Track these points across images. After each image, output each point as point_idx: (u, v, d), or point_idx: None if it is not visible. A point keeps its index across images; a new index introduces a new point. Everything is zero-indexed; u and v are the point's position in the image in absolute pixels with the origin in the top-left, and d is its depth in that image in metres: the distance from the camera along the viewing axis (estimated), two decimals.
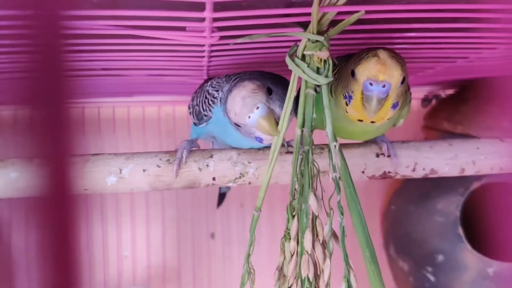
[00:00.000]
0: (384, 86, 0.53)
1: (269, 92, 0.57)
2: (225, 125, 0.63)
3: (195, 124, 0.71)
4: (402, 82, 0.54)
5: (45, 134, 0.29)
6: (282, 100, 0.57)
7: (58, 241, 0.29)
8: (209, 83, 0.68)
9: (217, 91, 0.65)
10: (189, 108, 0.74)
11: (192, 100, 0.73)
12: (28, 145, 0.29)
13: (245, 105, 0.56)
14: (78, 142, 0.30)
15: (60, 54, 0.29)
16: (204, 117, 0.68)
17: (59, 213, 0.29)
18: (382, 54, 0.53)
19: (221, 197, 1.03)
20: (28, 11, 0.28)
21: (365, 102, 0.54)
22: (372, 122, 0.58)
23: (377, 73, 0.53)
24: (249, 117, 0.56)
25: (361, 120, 0.58)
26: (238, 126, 0.58)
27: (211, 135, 0.72)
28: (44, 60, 0.29)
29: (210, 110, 0.66)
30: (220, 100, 0.64)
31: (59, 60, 0.29)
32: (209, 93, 0.66)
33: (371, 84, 0.53)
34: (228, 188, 1.01)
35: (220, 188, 1.01)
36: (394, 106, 0.56)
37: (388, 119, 0.57)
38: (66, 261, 0.29)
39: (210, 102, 0.65)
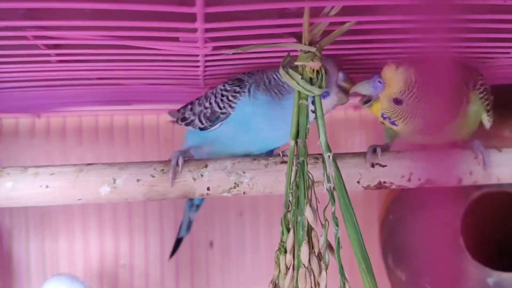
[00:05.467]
0: (379, 82, 0.60)
1: None
2: (248, 118, 0.64)
3: (202, 129, 0.71)
4: (396, 102, 0.60)
5: None
6: None
7: None
8: (218, 87, 0.69)
9: (238, 86, 0.67)
10: (183, 120, 0.74)
11: (191, 109, 0.73)
12: None
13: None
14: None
15: None
16: (221, 116, 0.68)
17: None
18: (402, 68, 0.59)
19: (177, 243, 0.97)
20: None
21: None
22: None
23: (382, 72, 0.60)
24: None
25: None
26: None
27: (211, 142, 0.72)
28: None
29: (230, 107, 0.67)
30: (249, 91, 0.66)
31: None
32: (227, 91, 0.67)
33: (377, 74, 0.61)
34: (188, 231, 0.95)
35: (179, 232, 0.96)
36: (384, 117, 0.62)
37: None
38: None
39: (231, 98, 0.66)
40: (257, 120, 0.66)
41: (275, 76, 0.66)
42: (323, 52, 0.54)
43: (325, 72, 0.62)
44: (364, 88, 0.61)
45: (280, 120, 0.65)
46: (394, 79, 0.59)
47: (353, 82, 0.64)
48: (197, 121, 0.71)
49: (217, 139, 0.71)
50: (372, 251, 0.55)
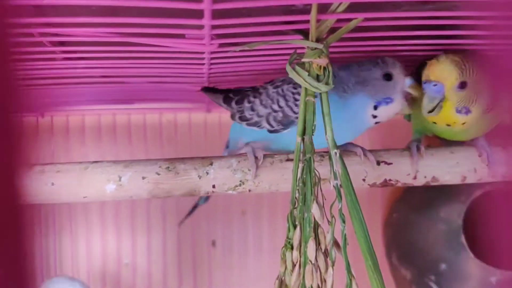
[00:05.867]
0: (435, 85, 0.59)
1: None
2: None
3: (271, 131, 0.68)
4: (461, 86, 0.59)
5: None
6: None
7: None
8: (287, 87, 0.67)
9: None
10: (244, 119, 0.71)
11: (252, 109, 0.70)
12: None
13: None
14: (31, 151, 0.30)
15: (6, 63, 0.29)
16: (296, 120, 0.65)
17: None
18: (442, 57, 0.60)
19: (193, 208, 0.98)
20: None
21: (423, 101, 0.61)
22: (448, 125, 0.63)
23: (429, 74, 0.60)
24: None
25: (449, 125, 0.63)
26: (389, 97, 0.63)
27: (272, 141, 0.70)
28: None
29: None
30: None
31: (6, 70, 0.29)
32: (300, 94, 0.64)
33: (425, 83, 0.60)
34: (207, 200, 0.96)
35: (198, 199, 0.96)
36: (459, 111, 0.61)
37: (463, 124, 0.62)
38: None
39: None
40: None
41: (340, 74, 0.63)
42: (330, 49, 0.54)
43: (391, 77, 0.63)
44: (430, 102, 0.60)
45: (342, 120, 0.62)
46: (445, 70, 0.59)
47: (420, 89, 0.62)
48: (265, 123, 0.68)
49: (282, 140, 0.69)
50: (376, 249, 0.54)
